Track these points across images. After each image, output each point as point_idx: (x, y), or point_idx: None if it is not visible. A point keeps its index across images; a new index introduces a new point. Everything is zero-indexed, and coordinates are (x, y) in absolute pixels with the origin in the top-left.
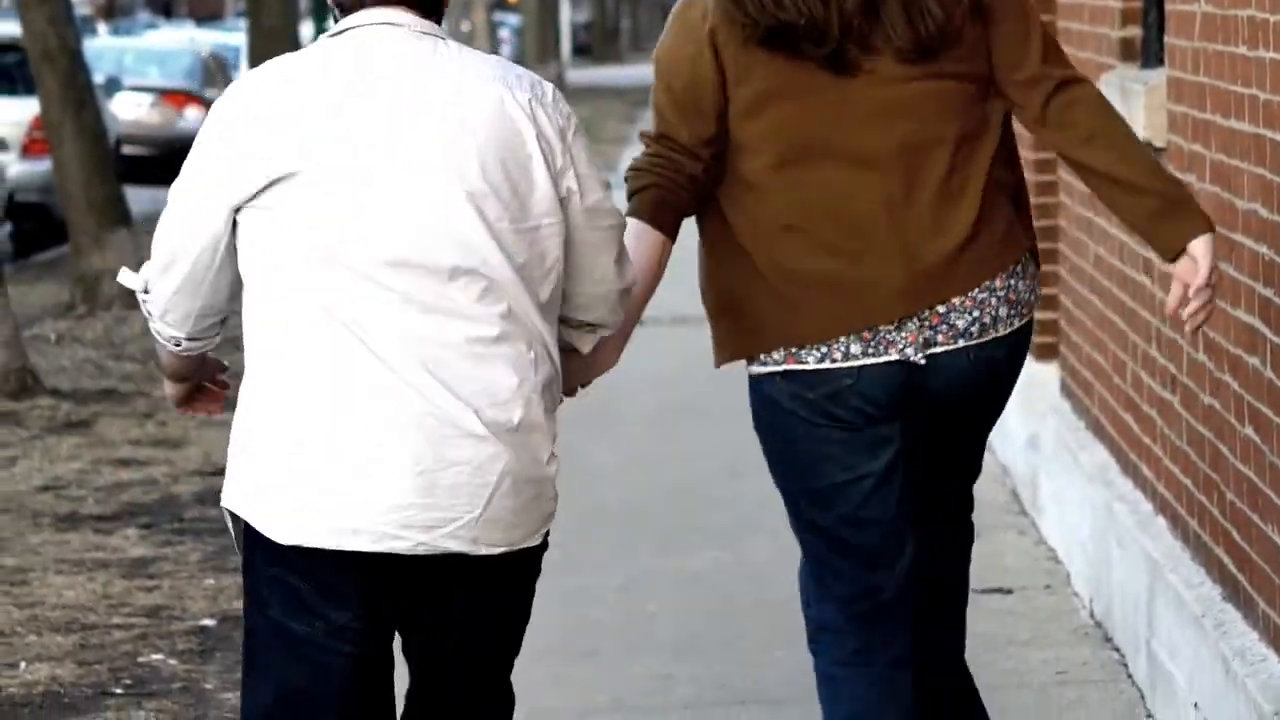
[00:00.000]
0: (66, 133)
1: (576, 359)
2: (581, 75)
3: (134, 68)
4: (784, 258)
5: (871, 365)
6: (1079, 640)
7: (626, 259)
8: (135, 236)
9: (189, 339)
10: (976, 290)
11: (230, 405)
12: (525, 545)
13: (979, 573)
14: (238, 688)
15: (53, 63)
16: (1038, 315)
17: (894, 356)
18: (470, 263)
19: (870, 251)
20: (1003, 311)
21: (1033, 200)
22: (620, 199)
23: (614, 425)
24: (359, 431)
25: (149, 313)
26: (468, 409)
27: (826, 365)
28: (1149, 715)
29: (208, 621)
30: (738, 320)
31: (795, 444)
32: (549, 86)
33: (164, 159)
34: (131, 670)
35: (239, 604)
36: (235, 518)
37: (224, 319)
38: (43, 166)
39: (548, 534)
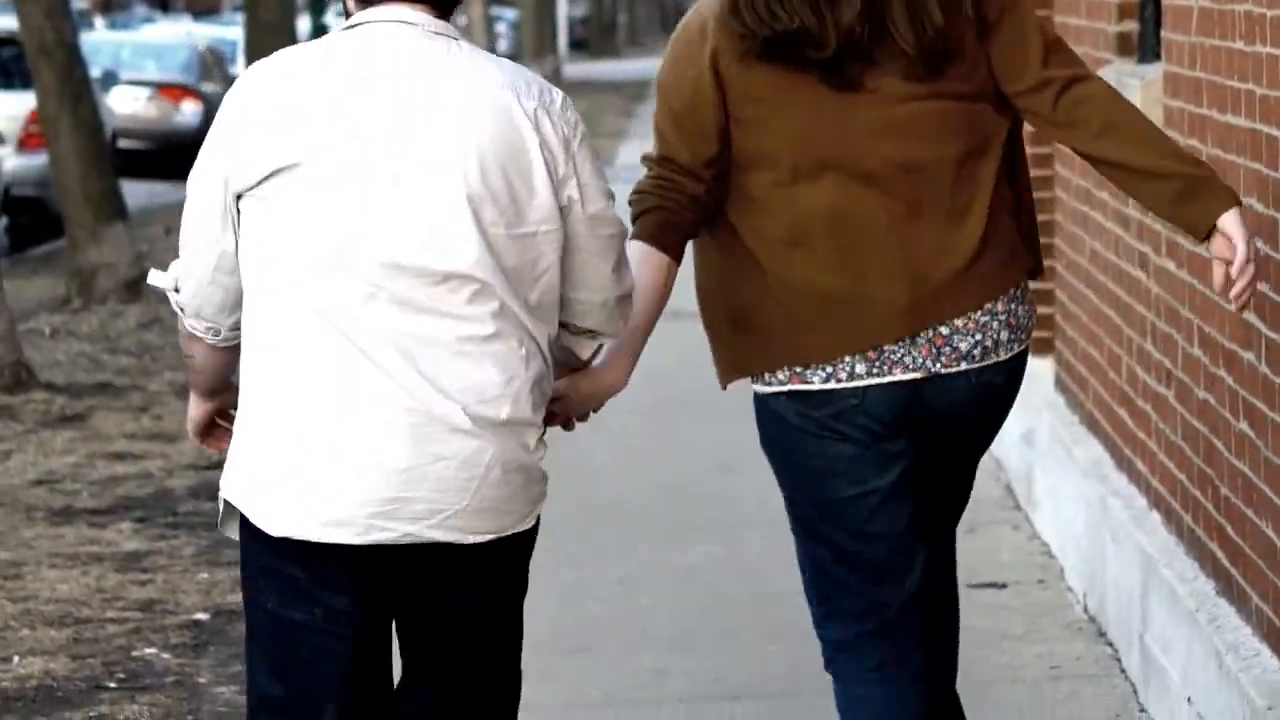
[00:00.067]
0: (63, 127)
1: (585, 379)
2: (578, 70)
3: (131, 62)
4: (789, 274)
5: (876, 385)
6: (1073, 635)
7: (625, 267)
8: (131, 231)
9: (230, 329)
10: (979, 313)
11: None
12: (516, 530)
13: (974, 567)
14: (231, 682)
15: (49, 57)
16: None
17: (898, 376)
18: (461, 267)
19: (874, 270)
20: (1003, 336)
21: None
22: (621, 200)
23: (608, 421)
24: (347, 427)
25: (180, 309)
26: (455, 405)
27: (832, 385)
28: (1142, 710)
29: (201, 615)
30: (743, 338)
31: (804, 459)
32: (559, 95)
33: (160, 153)
34: (125, 664)
35: (233, 598)
36: (229, 506)
37: None
38: (39, 160)
39: (538, 518)
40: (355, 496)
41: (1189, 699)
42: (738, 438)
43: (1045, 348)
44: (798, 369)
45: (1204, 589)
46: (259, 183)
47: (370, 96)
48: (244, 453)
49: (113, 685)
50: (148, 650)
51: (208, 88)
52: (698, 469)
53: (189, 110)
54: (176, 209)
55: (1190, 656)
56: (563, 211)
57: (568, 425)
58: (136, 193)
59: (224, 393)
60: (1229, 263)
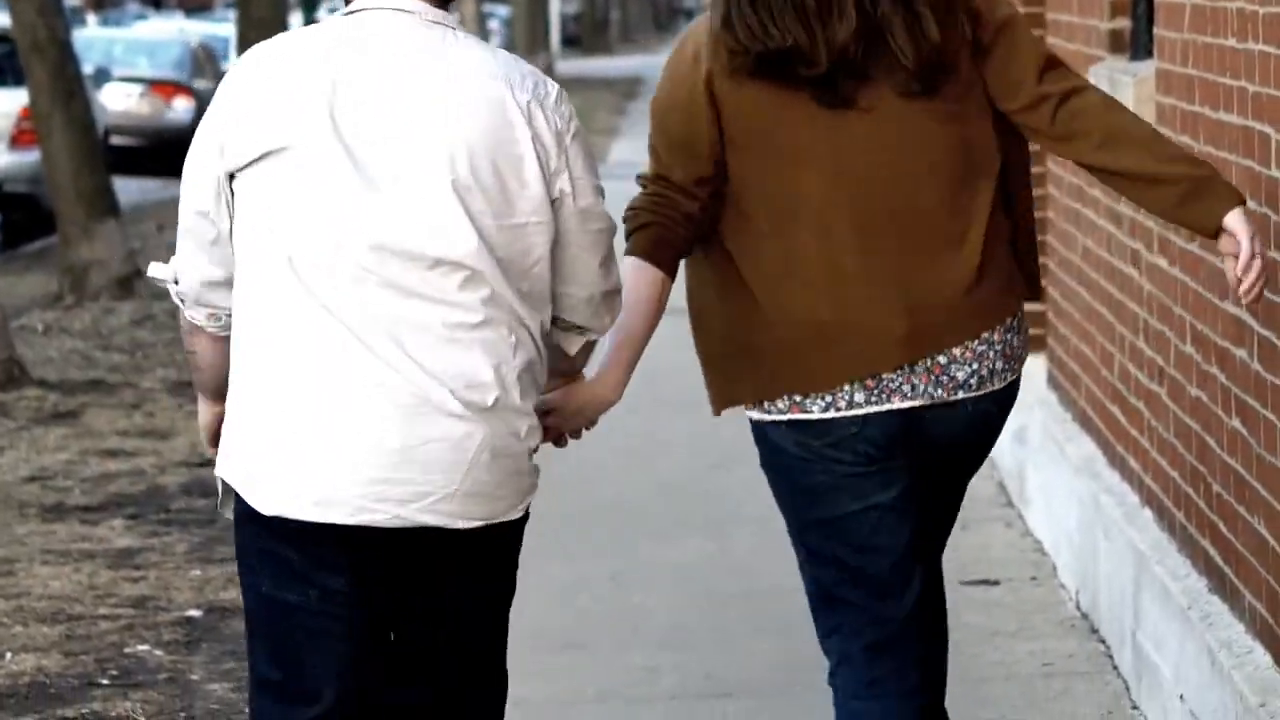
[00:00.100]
0: (55, 123)
1: (578, 391)
2: (571, 66)
3: (123, 58)
4: (786, 301)
5: (875, 413)
6: (1065, 632)
7: (613, 262)
8: (123, 227)
9: (230, 315)
10: (976, 343)
11: None
12: (506, 518)
13: (966, 564)
14: (224, 678)
15: (42, 53)
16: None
17: (896, 405)
18: (450, 254)
19: (870, 298)
20: (999, 365)
21: None
22: (613, 197)
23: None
24: (337, 408)
25: (181, 300)
26: (444, 390)
27: (830, 415)
28: (1134, 707)
29: (194, 612)
30: (740, 367)
31: (805, 478)
32: (554, 89)
33: (153, 150)
34: (117, 661)
35: (225, 595)
36: (227, 486)
37: None
38: (31, 157)
39: (528, 510)
40: (346, 476)
41: (1181, 696)
42: (730, 435)
43: (1038, 345)
44: (796, 398)
45: (1196, 586)
46: (251, 163)
47: (363, 82)
48: (237, 432)
49: (105, 682)
50: (140, 647)
51: (200, 84)
52: (691, 466)
53: (181, 107)
54: (169, 206)
55: (1182, 653)
56: (554, 204)
57: (559, 441)
58: (129, 189)
59: None
60: (1236, 258)
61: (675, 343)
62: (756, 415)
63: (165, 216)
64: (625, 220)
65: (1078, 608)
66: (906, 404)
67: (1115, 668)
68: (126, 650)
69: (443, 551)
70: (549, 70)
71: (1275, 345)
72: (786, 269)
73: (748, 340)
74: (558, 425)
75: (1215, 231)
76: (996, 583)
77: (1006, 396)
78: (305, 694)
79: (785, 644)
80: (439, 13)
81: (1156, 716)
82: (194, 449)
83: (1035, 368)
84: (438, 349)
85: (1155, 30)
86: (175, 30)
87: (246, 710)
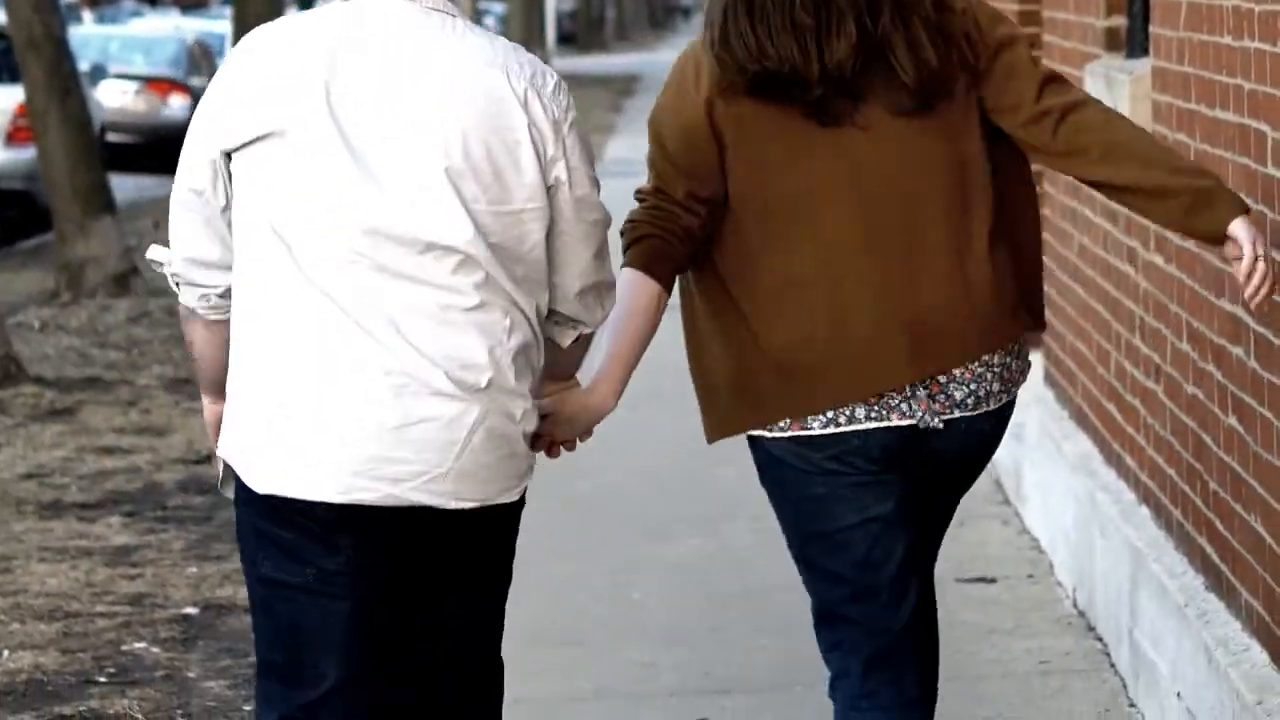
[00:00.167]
0: (51, 120)
1: (572, 398)
2: (566, 64)
3: (119, 55)
4: (785, 322)
5: (876, 429)
6: (1062, 630)
7: (606, 254)
8: (120, 224)
9: (220, 296)
10: (976, 364)
11: None
12: (501, 500)
13: (963, 562)
14: (220, 676)
15: (38, 50)
16: None
17: (895, 422)
18: (443, 239)
19: (870, 317)
20: (995, 387)
21: None
22: (610, 194)
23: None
24: (331, 387)
25: (176, 283)
26: (438, 370)
27: (832, 430)
28: (1131, 705)
29: (190, 610)
30: (737, 397)
31: (804, 491)
32: (552, 77)
33: (149, 147)
34: (115, 658)
35: (222, 592)
36: (227, 467)
37: None
38: (27, 154)
39: (524, 497)
40: (339, 454)
41: (1178, 694)
42: None
43: (1034, 343)
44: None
45: (1193, 584)
46: (247, 144)
47: (360, 67)
48: (235, 413)
49: (102, 679)
50: (137, 644)
51: (196, 82)
52: (689, 463)
53: (177, 104)
54: (165, 203)
55: (1179, 651)
56: (550, 191)
57: (552, 451)
58: (125, 186)
59: None
60: (1240, 262)
61: (674, 341)
62: (756, 431)
63: (161, 213)
64: (623, 233)
65: (1074, 605)
66: (905, 421)
67: (1112, 665)
68: (123, 648)
69: (439, 535)
70: None
71: (1272, 343)
72: (785, 289)
73: (748, 369)
74: (550, 433)
75: (1221, 239)
76: (993, 580)
77: (1002, 415)
78: (307, 676)
79: (784, 642)
80: (438, 0)
81: (1153, 714)
82: (191, 446)
83: (1032, 365)
84: (432, 330)
85: (1151, 28)
86: (171, 27)
87: (243, 708)
